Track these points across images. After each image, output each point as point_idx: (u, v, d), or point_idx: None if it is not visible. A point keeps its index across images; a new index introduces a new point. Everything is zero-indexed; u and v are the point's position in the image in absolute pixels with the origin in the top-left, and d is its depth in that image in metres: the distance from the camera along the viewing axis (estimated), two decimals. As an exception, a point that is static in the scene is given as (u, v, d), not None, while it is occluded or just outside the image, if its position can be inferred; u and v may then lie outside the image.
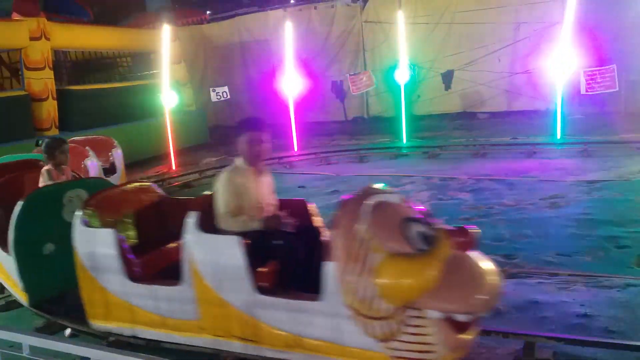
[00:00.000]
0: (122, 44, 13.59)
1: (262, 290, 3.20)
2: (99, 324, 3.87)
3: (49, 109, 11.13)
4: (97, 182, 4.77)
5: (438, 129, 13.44)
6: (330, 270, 2.88)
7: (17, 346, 2.85)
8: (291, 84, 12.17)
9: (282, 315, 3.15)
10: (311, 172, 9.78)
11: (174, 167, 11.34)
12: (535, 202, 6.75)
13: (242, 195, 3.47)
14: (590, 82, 10.77)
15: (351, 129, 14.77)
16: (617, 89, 10.95)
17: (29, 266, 4.30)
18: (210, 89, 12.28)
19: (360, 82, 12.42)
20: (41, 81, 10.99)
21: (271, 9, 16.81)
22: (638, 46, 12.83)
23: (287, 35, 12.25)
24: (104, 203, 3.96)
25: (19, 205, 4.19)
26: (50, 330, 4.13)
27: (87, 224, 3.80)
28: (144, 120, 12.64)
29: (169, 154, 11.52)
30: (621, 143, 9.79)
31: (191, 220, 3.40)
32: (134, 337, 3.75)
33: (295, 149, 12.04)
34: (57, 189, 4.48)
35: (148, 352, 3.54)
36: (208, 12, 18.89)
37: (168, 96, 11.59)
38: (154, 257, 3.93)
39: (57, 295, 4.38)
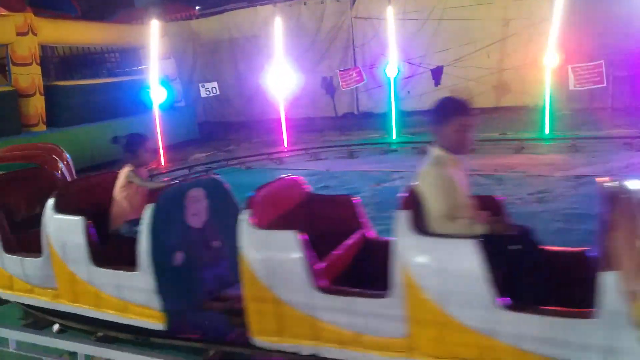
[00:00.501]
0: (110, 39, 13.49)
1: (507, 306, 2.68)
2: (268, 340, 3.31)
3: (36, 105, 11.04)
4: (212, 181, 4.19)
5: (428, 125, 13.44)
6: (612, 281, 2.41)
7: (4, 342, 2.83)
8: (281, 80, 12.15)
9: (536, 335, 2.62)
10: (301, 168, 9.77)
11: (162, 163, 11.29)
12: (523, 197, 6.80)
13: (454, 193, 2.93)
14: (578, 77, 10.85)
15: (341, 125, 14.76)
16: (605, 84, 11.06)
17: (166, 280, 3.63)
18: (200, 84, 12.24)
19: (350, 78, 12.42)
20: (28, 77, 10.89)
21: (260, 5, 16.74)
22: (624, 42, 12.92)
23: (276, 31, 12.22)
24: (265, 202, 3.40)
25: (148, 211, 3.60)
26: (38, 325, 4.10)
27: (257, 226, 3.24)
28: (133, 116, 12.56)
29: (158, 149, 11.47)
30: (608, 138, 9.88)
31: (402, 220, 2.86)
32: (315, 356, 3.21)
33: (285, 144, 12.02)
34: (179, 189, 3.88)
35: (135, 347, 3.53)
36: (197, 7, 18.80)
37: (157, 92, 11.54)
38: (331, 263, 3.35)
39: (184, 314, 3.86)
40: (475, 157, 9.56)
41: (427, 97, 15.02)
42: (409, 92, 15.11)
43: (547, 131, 10.92)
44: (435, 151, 3.00)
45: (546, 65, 10.86)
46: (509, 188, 7.26)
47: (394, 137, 11.91)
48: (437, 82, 14.74)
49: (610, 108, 13.35)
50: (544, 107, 11.09)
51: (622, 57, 12.76)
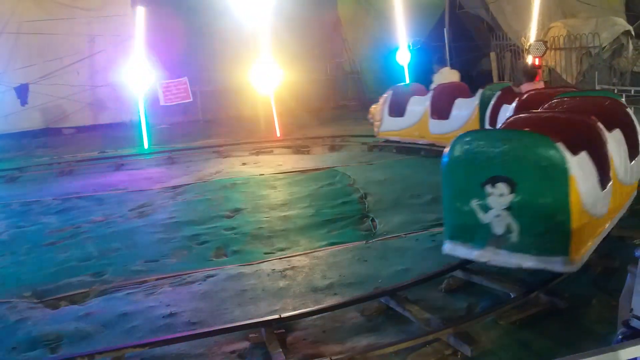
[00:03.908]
0: None
1: None
2: None
3: None
4: None
5: (18, 149, 12.07)
6: None
7: None
8: None
9: None
10: None
11: None
12: (125, 214, 6.73)
13: None
14: (167, 93, 11.51)
15: None
16: (192, 99, 12.06)
17: None
18: None
19: None
20: None
21: None
22: (206, 60, 14.32)
23: None
24: None
25: None
26: None
27: None
28: None
29: None
30: (200, 148, 10.75)
31: None
32: None
33: None
34: None
35: None
36: None
37: None
38: None
39: None
40: (73, 179, 9.04)
41: (14, 117, 13.54)
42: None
43: (146, 146, 11.18)
44: None
45: (136, 82, 11.07)
46: (109, 207, 7.07)
47: (-26, 166, 10.23)
48: (23, 101, 13.49)
49: (202, 120, 14.60)
50: (139, 123, 11.31)
51: (204, 74, 14.11)
